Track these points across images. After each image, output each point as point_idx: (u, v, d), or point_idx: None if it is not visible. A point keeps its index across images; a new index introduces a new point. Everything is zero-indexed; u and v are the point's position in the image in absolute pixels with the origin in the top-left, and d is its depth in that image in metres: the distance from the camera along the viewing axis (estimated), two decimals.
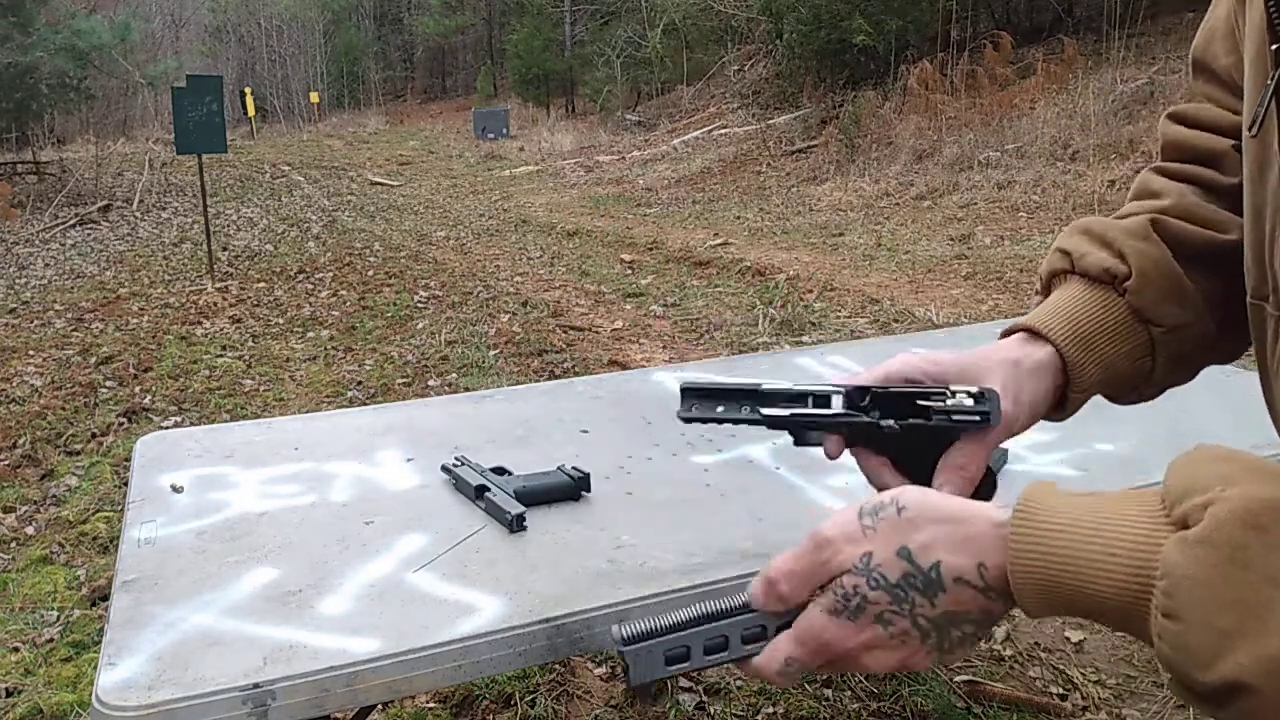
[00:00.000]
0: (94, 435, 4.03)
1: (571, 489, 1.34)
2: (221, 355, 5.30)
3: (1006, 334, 0.85)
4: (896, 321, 5.45)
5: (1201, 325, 0.82)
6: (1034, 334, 0.82)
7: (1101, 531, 0.52)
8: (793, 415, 0.88)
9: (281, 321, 6.08)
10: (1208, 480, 0.51)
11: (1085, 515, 0.53)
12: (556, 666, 2.28)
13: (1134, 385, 0.84)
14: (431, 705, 2.20)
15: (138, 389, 4.65)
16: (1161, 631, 0.49)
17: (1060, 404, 0.83)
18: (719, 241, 8.27)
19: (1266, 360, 0.70)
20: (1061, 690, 2.21)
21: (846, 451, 0.91)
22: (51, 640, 2.52)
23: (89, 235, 10.06)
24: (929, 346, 2.08)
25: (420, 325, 5.84)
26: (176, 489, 1.38)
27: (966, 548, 0.57)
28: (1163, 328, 0.80)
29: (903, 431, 0.81)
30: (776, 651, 0.64)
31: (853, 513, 0.62)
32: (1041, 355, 0.81)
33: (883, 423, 0.83)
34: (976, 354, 0.82)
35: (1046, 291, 0.87)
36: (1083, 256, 0.82)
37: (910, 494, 0.61)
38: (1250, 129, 0.69)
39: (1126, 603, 0.51)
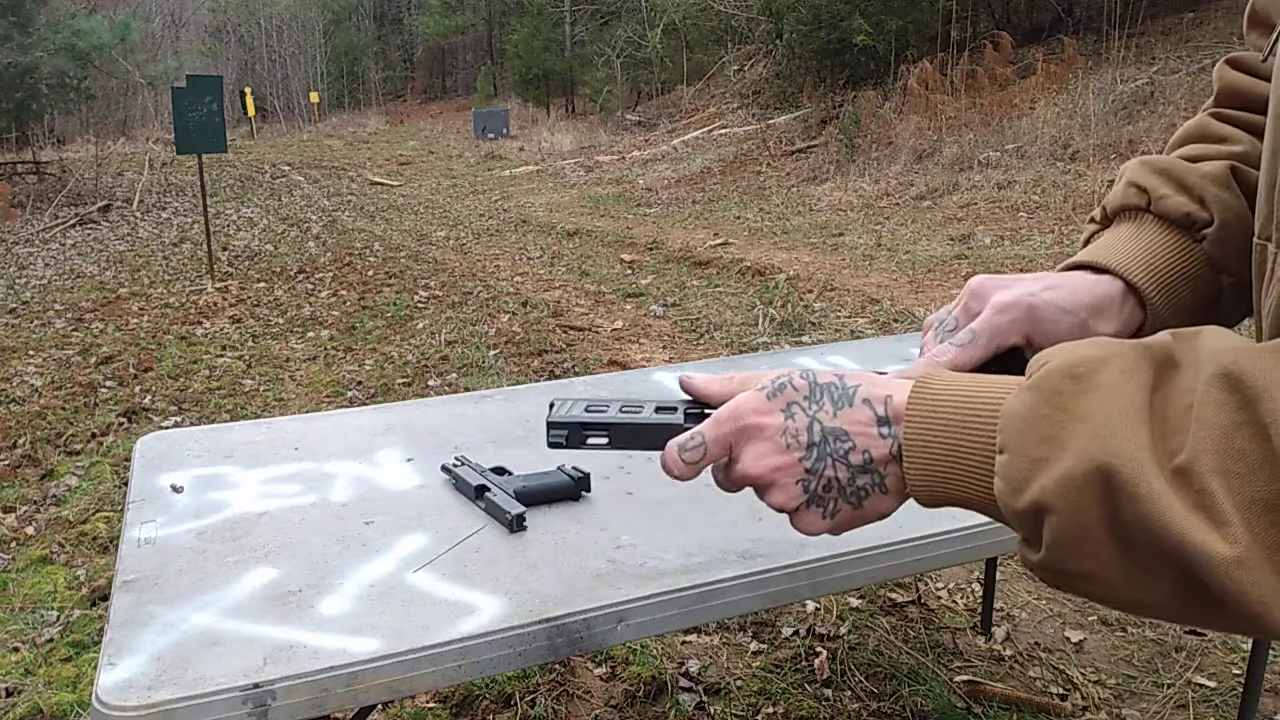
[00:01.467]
0: (94, 435, 4.03)
1: (571, 489, 1.34)
2: (221, 355, 5.30)
3: (1073, 268, 0.80)
4: (896, 321, 5.45)
5: None
6: (1117, 277, 0.78)
7: (980, 387, 0.59)
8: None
9: (281, 321, 6.08)
10: (1061, 350, 0.56)
11: (973, 380, 0.60)
12: (556, 666, 2.28)
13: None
14: (431, 705, 2.20)
15: (138, 389, 4.65)
16: (997, 466, 0.54)
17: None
18: (719, 241, 8.27)
19: (1261, 304, 0.69)
20: (1061, 690, 2.21)
21: None
22: (51, 640, 2.52)
23: (89, 235, 10.06)
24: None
25: (420, 325, 5.84)
26: (176, 489, 1.38)
27: (884, 386, 0.64)
28: (1235, 279, 0.78)
29: None
30: (691, 430, 0.68)
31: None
32: (1128, 308, 0.77)
33: None
34: (1077, 319, 0.76)
35: (1106, 223, 0.83)
36: (1162, 198, 0.79)
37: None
38: (1264, 57, 0.69)
39: (984, 445, 0.56)
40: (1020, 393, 0.54)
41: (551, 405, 0.77)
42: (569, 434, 0.75)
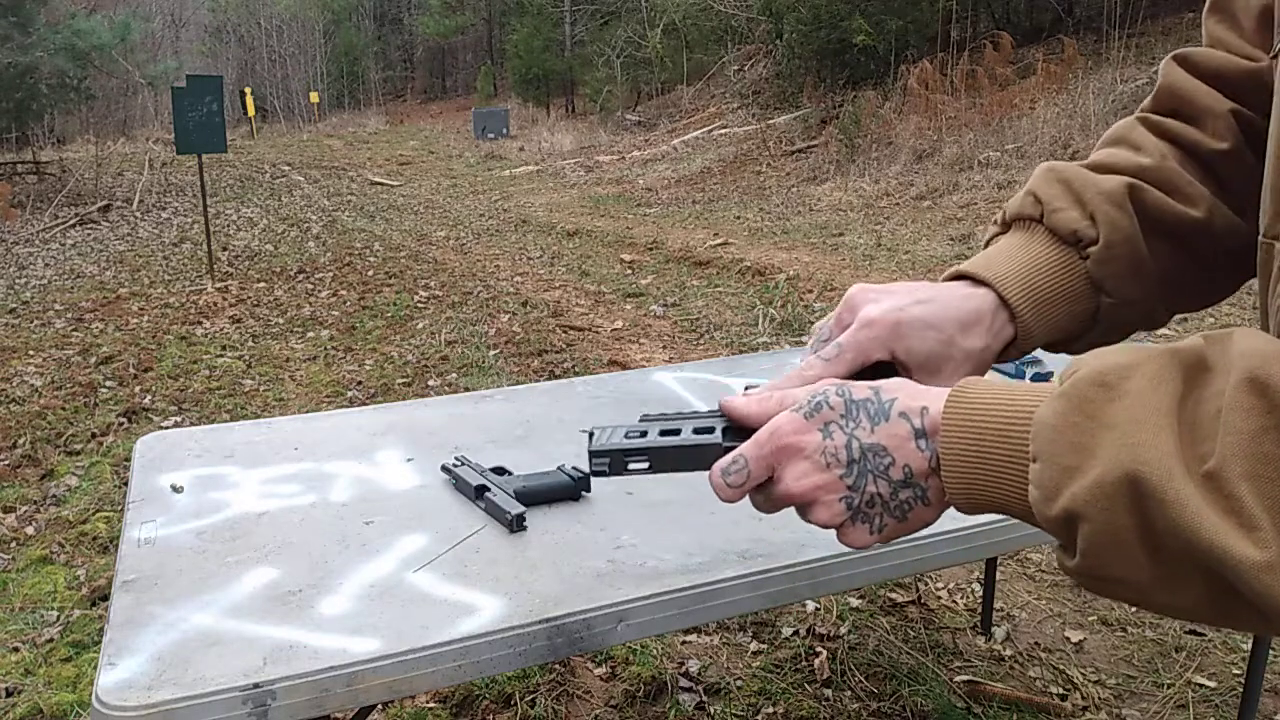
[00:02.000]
0: (94, 435, 4.03)
1: (571, 489, 1.34)
2: (221, 355, 5.30)
3: (956, 277, 0.80)
4: None
5: (1148, 304, 0.81)
6: (992, 290, 0.78)
7: (1015, 395, 0.60)
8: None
9: (281, 321, 6.08)
10: (1092, 356, 0.57)
11: (1007, 388, 0.61)
12: (556, 666, 2.28)
13: (1064, 344, 0.84)
14: (431, 705, 2.20)
15: (138, 389, 4.65)
16: (1030, 474, 0.55)
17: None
18: (719, 241, 8.27)
19: (1269, 303, 0.69)
20: (1061, 690, 2.21)
21: None
22: (51, 640, 2.52)
23: (89, 235, 10.06)
24: None
25: (420, 325, 5.84)
26: (176, 489, 1.38)
27: (919, 397, 0.64)
28: (1113, 300, 0.79)
29: None
30: (732, 453, 0.69)
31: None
32: (999, 323, 0.78)
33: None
34: (944, 334, 0.76)
35: (1005, 228, 0.84)
36: (1055, 211, 0.79)
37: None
38: (1272, 53, 0.68)
39: (1018, 453, 0.57)
40: (1051, 401, 0.55)
41: (591, 435, 0.77)
42: (610, 461, 0.76)
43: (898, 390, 0.65)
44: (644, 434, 0.76)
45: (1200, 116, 0.82)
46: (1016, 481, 0.58)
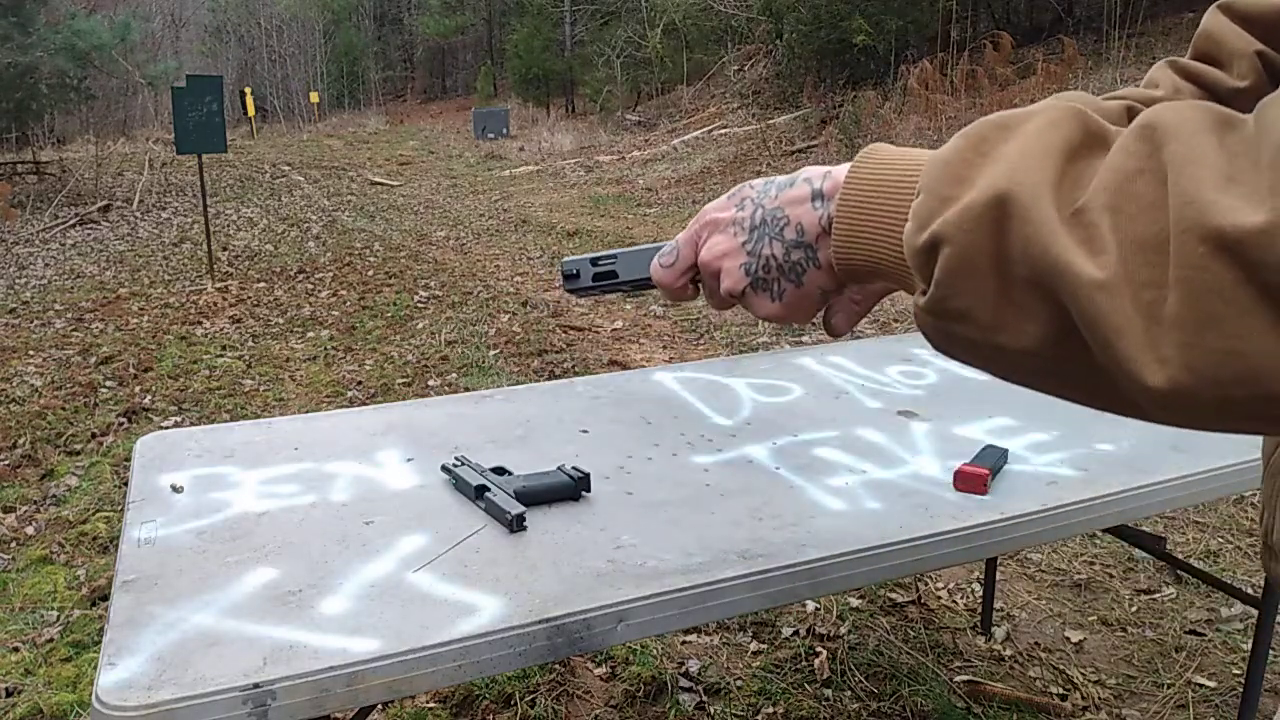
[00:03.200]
0: (94, 435, 4.03)
1: (571, 489, 1.34)
2: (221, 355, 5.30)
3: None
4: (897, 321, 5.45)
5: None
6: None
7: (921, 153, 0.59)
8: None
9: (281, 321, 6.08)
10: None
11: (917, 150, 0.60)
12: (556, 666, 2.28)
13: None
14: (431, 705, 2.20)
15: (138, 389, 4.65)
16: (911, 210, 0.53)
17: None
18: None
19: None
20: (1061, 690, 2.21)
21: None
22: (51, 640, 2.52)
23: (89, 235, 10.06)
24: (929, 346, 2.08)
25: (420, 325, 5.84)
26: (176, 489, 1.38)
27: (829, 169, 0.66)
28: None
29: None
30: (669, 242, 0.74)
31: None
32: None
33: None
34: None
35: None
36: None
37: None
38: None
39: (908, 201, 0.55)
40: (951, 140, 0.54)
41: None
42: (579, 270, 0.82)
43: (813, 168, 0.66)
44: (614, 257, 0.83)
45: (1227, 59, 0.82)
46: (898, 230, 0.56)
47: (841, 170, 0.63)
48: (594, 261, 0.81)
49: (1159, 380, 0.42)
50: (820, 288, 0.66)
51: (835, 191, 0.62)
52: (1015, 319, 0.48)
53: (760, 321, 5.48)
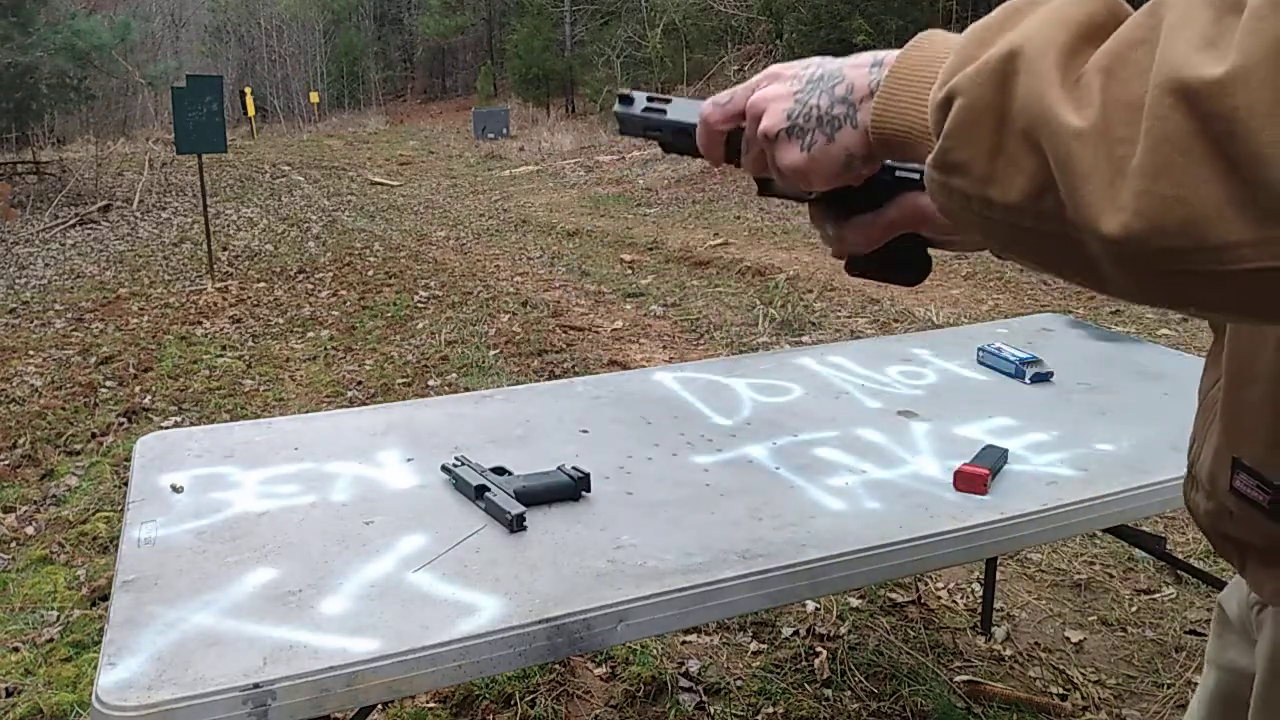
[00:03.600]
0: (94, 435, 4.03)
1: (571, 489, 1.34)
2: (221, 355, 5.30)
3: None
4: (897, 321, 5.45)
5: None
6: None
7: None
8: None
9: (281, 321, 6.08)
10: None
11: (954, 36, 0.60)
12: (556, 666, 2.28)
13: None
14: (431, 705, 2.20)
15: (138, 389, 4.65)
16: (941, 70, 0.55)
17: None
18: (719, 241, 8.27)
19: None
20: (1061, 690, 2.21)
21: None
22: (51, 640, 2.52)
23: (89, 235, 10.06)
24: (930, 345, 2.08)
25: (420, 325, 5.84)
26: (176, 489, 1.38)
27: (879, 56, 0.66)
28: None
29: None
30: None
31: None
32: None
33: None
34: None
35: None
36: None
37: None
38: None
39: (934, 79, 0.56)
40: (978, 22, 0.55)
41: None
42: (634, 98, 0.82)
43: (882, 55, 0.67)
44: (669, 100, 0.82)
45: None
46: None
47: (889, 55, 0.65)
48: (650, 97, 0.82)
49: (1113, 227, 0.44)
50: (848, 150, 0.67)
51: (890, 60, 0.64)
52: (1005, 170, 0.50)
53: (760, 322, 5.48)
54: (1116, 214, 0.44)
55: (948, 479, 1.39)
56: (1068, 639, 2.41)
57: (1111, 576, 2.69)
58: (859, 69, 0.66)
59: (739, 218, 9.63)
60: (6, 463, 3.71)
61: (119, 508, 3.15)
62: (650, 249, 8.24)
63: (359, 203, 12.62)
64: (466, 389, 4.43)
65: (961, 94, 0.51)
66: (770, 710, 2.15)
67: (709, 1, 17.22)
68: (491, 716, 2.16)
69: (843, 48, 11.73)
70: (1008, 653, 2.36)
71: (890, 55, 0.65)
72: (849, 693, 2.20)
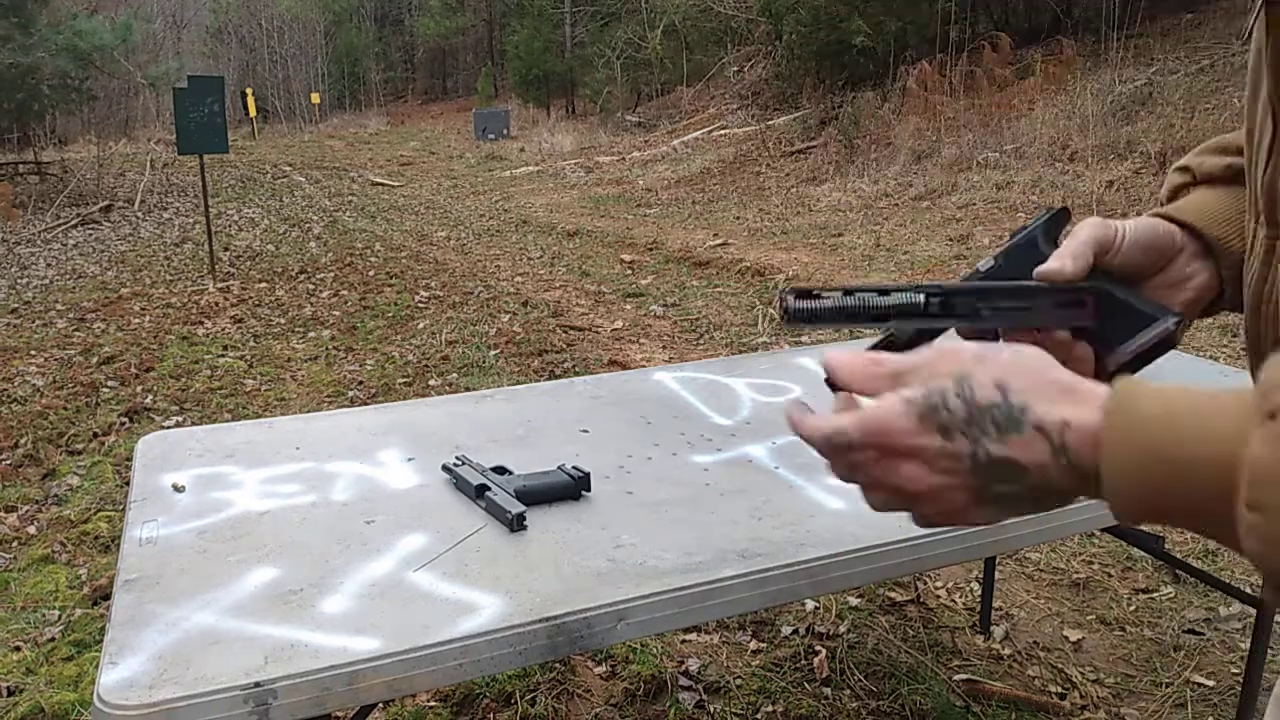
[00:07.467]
0: (95, 435, 4.04)
1: (571, 489, 1.34)
2: (223, 355, 5.31)
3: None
4: None
5: None
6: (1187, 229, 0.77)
7: (1199, 414, 0.50)
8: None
9: (283, 321, 6.09)
10: None
11: (1181, 400, 0.52)
12: (557, 665, 2.28)
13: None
14: (432, 704, 2.20)
15: (139, 389, 4.65)
16: (1246, 523, 0.47)
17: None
18: (719, 242, 8.27)
19: (1245, 278, 0.69)
20: (1060, 689, 2.22)
21: None
22: (53, 639, 2.52)
23: (90, 235, 10.06)
24: None
25: (421, 325, 5.85)
26: (178, 488, 1.39)
27: (1056, 405, 0.55)
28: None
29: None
30: (837, 419, 0.62)
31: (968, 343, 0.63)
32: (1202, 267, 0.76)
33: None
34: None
35: (1174, 194, 0.84)
36: (1201, 164, 0.81)
37: (1030, 349, 0.60)
38: (1242, 37, 0.69)
39: (1218, 487, 0.48)
40: (1272, 436, 0.47)
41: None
42: (801, 293, 0.74)
43: (1026, 391, 0.56)
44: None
45: None
46: (1213, 514, 0.50)
47: (1079, 416, 0.54)
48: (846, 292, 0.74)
49: None
50: (1062, 506, 0.59)
51: (1084, 447, 0.54)
52: None
53: (760, 322, 5.49)
54: None
55: None
56: (1066, 638, 2.42)
57: (1110, 576, 2.70)
58: (1042, 463, 0.55)
59: (739, 218, 9.64)
60: (8, 462, 3.72)
61: (120, 507, 3.16)
62: (650, 249, 8.24)
63: (360, 203, 12.62)
64: (467, 389, 4.43)
65: None
66: (769, 709, 2.15)
67: (709, 3, 17.22)
68: (492, 715, 2.17)
69: (842, 49, 11.68)
70: (1006, 652, 2.37)
71: (1065, 430, 0.54)
72: (848, 691, 2.20)
